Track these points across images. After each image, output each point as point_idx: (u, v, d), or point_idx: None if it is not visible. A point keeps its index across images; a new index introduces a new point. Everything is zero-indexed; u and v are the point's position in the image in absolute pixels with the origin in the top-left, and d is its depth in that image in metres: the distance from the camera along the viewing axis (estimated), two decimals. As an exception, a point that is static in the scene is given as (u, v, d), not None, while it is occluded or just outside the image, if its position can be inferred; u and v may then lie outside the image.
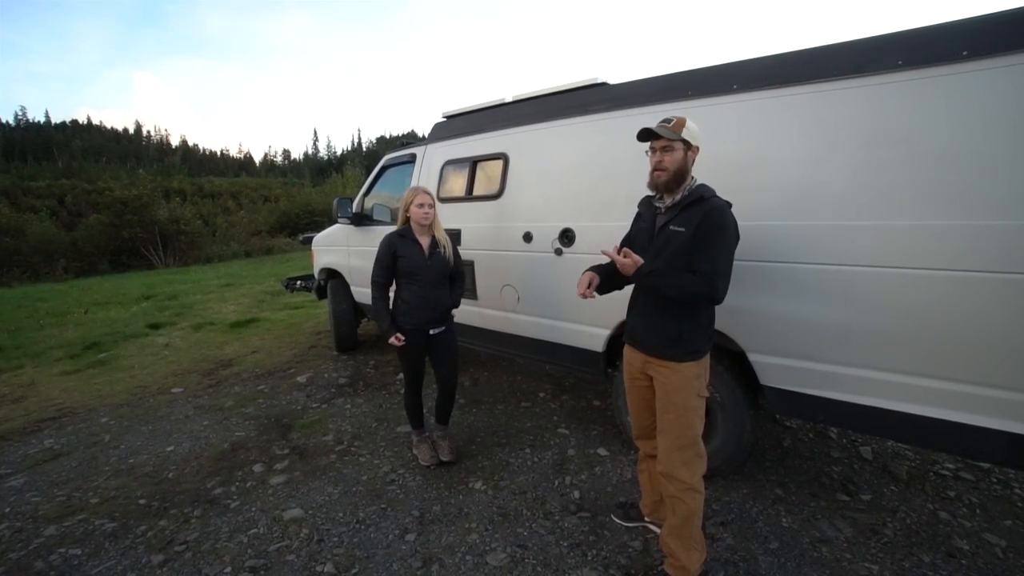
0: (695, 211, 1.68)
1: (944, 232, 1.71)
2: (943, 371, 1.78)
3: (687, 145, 1.72)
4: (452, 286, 2.72)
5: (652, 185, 1.79)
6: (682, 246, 1.68)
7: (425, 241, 2.59)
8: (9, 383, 4.49)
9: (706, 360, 1.79)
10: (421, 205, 2.52)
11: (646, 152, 1.80)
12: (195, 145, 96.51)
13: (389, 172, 4.21)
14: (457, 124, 3.58)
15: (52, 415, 3.68)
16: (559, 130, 2.88)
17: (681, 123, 1.71)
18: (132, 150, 73.96)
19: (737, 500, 2.36)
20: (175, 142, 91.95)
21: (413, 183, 3.73)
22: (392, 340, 2.54)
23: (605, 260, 2.06)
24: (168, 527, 2.30)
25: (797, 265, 2.02)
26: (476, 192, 3.32)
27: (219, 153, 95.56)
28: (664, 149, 1.71)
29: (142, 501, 2.51)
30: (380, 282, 2.58)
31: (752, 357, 2.21)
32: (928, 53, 1.75)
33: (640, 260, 1.70)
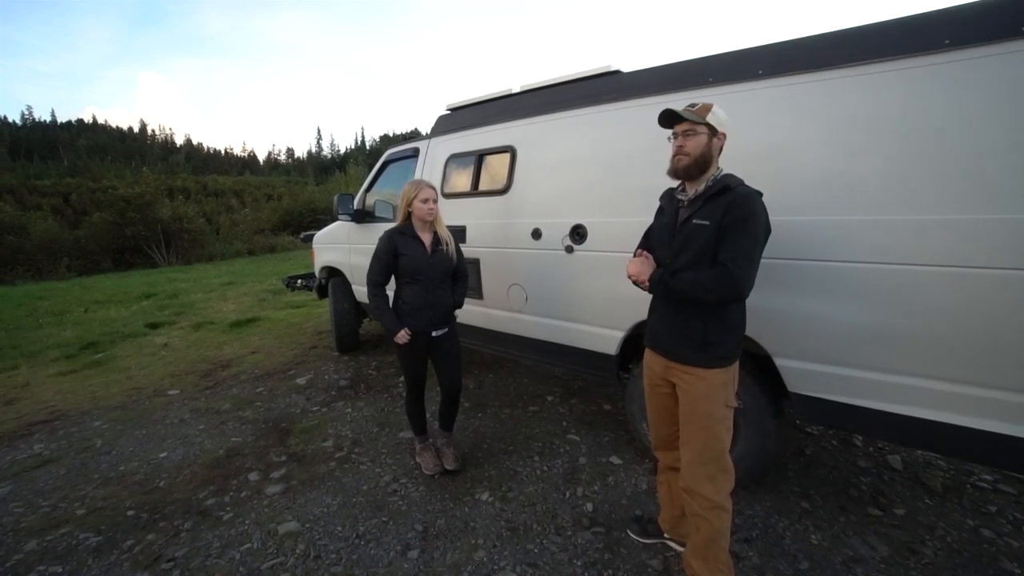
0: (720, 202, 1.53)
1: (994, 227, 1.55)
2: (990, 379, 1.62)
3: (712, 131, 1.58)
4: (455, 285, 2.58)
5: (672, 171, 1.65)
6: (707, 241, 1.53)
7: (427, 238, 2.44)
8: (2, 384, 4.38)
9: (735, 367, 1.64)
10: (425, 200, 2.37)
11: (668, 139, 1.66)
12: (199, 144, 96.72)
13: (391, 167, 4.07)
14: (462, 117, 3.44)
15: (44, 418, 3.56)
16: (569, 121, 2.73)
17: (707, 108, 1.59)
18: (137, 149, 74.03)
19: (760, 514, 2.21)
20: (179, 141, 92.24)
21: (416, 178, 3.58)
22: (399, 335, 2.37)
23: (620, 259, 1.94)
24: (156, 541, 2.17)
25: (830, 263, 1.86)
26: (482, 187, 3.17)
27: (223, 152, 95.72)
28: (686, 133, 1.59)
29: (131, 512, 2.38)
30: (378, 280, 2.43)
31: (779, 362, 2.05)
32: (979, 30, 1.59)
33: (653, 262, 1.61)
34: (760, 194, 1.56)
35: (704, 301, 1.55)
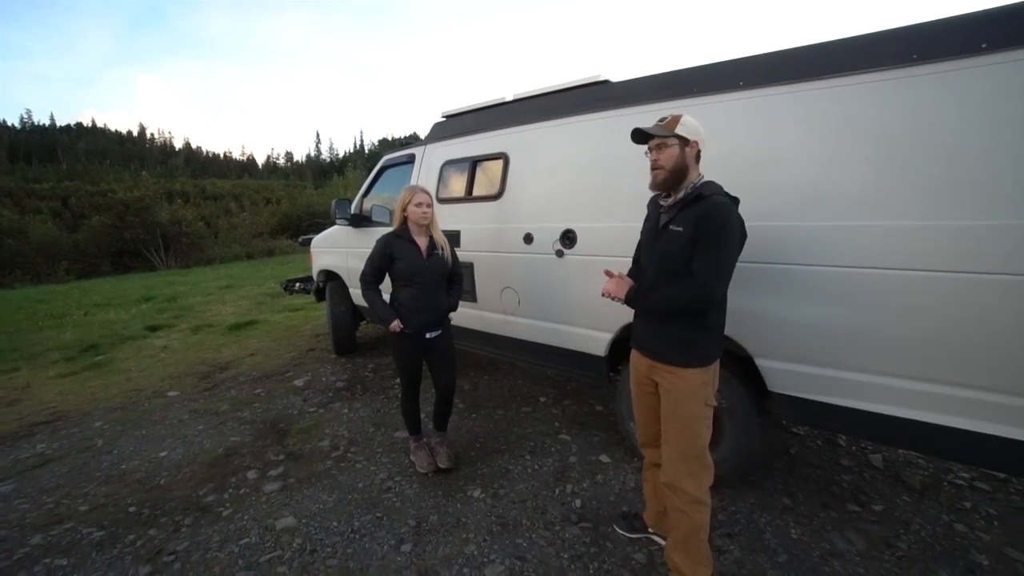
0: (693, 210, 1.61)
1: (963, 233, 1.63)
2: (961, 378, 1.70)
3: (683, 141, 1.65)
4: (450, 288, 2.65)
5: (652, 185, 1.74)
6: (682, 247, 1.61)
7: (423, 242, 2.52)
8: (4, 386, 4.44)
9: (714, 367, 1.71)
10: (420, 204, 2.45)
11: (645, 154, 1.75)
12: (198, 147, 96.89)
13: (388, 173, 4.15)
14: (456, 124, 3.52)
15: (46, 419, 3.62)
16: (560, 129, 2.81)
17: (675, 120, 1.66)
18: (136, 152, 74.18)
19: (744, 510, 2.28)
20: (179, 144, 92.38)
21: (411, 183, 3.66)
22: (393, 325, 2.44)
23: (608, 262, 2.03)
24: (157, 536, 2.23)
25: (807, 267, 1.94)
26: (476, 193, 3.25)
27: (222, 155, 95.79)
28: (658, 147, 1.67)
29: (132, 509, 2.45)
30: (369, 280, 2.51)
31: (760, 362, 2.13)
32: (945, 46, 1.68)
33: (630, 281, 1.73)
34: (736, 201, 1.64)
35: (680, 310, 1.64)
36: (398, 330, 2.45)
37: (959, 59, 1.65)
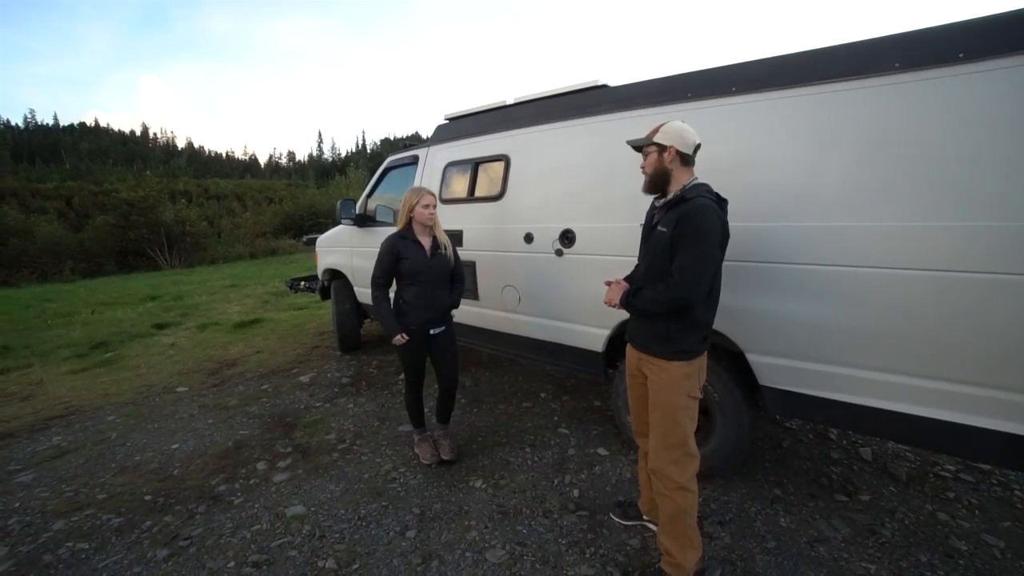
0: (676, 211, 1.69)
1: (940, 233, 1.72)
2: (940, 372, 1.79)
3: (660, 147, 1.74)
4: (452, 287, 2.74)
5: (642, 188, 1.87)
6: (665, 247, 1.70)
7: (427, 242, 2.61)
8: (18, 381, 4.55)
9: (699, 361, 1.79)
10: (427, 206, 2.54)
11: None
12: (201, 147, 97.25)
13: (392, 174, 4.24)
14: (459, 126, 3.62)
15: (60, 413, 3.73)
16: (560, 132, 2.90)
17: (656, 129, 1.78)
18: (139, 152, 74.45)
19: (735, 500, 2.37)
20: (181, 144, 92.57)
21: (415, 184, 3.75)
22: (396, 339, 2.54)
23: (605, 262, 2.12)
24: (173, 523, 2.34)
25: (795, 266, 2.03)
26: (478, 193, 3.34)
27: (224, 155, 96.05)
28: (644, 154, 1.82)
29: (147, 497, 2.55)
30: (380, 283, 2.59)
31: (750, 357, 2.22)
32: (924, 55, 1.77)
33: (625, 286, 1.83)
34: (721, 203, 1.72)
35: (663, 310, 1.72)
36: (402, 342, 2.54)
37: (935, 68, 1.74)
